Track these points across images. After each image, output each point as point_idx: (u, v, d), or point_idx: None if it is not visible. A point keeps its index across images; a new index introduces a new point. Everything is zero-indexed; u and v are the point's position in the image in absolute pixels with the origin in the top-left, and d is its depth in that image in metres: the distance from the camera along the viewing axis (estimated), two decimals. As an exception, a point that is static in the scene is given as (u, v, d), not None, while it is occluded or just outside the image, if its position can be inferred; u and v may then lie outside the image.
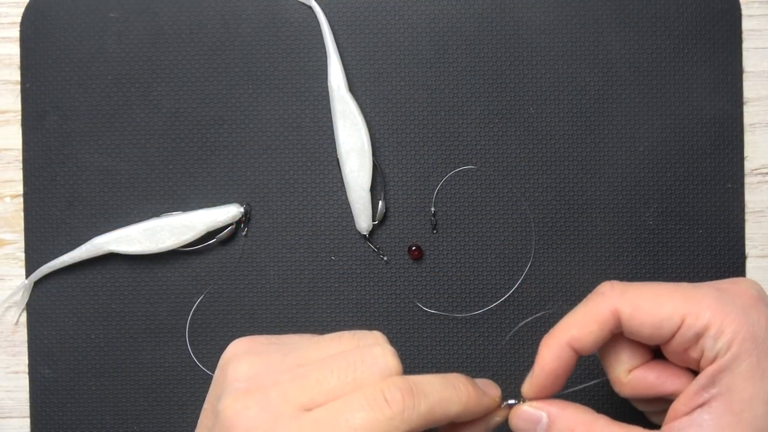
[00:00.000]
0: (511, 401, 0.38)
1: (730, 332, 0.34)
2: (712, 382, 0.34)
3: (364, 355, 0.34)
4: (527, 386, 0.38)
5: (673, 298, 0.36)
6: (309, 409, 0.32)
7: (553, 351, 0.37)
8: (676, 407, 0.36)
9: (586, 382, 0.46)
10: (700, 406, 0.35)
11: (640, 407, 0.40)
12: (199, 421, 0.36)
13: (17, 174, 0.50)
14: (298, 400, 0.32)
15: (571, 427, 0.36)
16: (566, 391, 0.42)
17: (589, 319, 0.37)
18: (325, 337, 0.36)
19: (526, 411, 0.37)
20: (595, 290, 0.38)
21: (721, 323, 0.34)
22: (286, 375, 0.33)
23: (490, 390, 0.37)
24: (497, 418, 0.38)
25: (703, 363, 0.35)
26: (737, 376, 0.34)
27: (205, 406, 0.36)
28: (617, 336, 0.38)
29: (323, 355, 0.35)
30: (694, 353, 0.35)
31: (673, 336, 0.35)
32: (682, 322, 0.35)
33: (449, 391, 0.34)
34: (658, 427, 0.36)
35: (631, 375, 0.38)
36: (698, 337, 0.35)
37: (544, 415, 0.37)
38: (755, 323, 0.35)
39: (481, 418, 0.37)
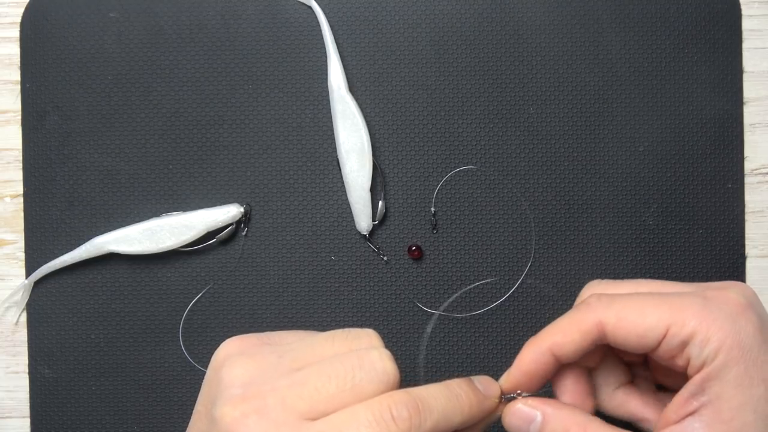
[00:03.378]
0: (509, 395, 0.38)
1: (716, 340, 0.34)
2: (701, 389, 0.35)
3: (362, 360, 0.34)
4: (503, 380, 0.38)
5: (658, 308, 0.36)
6: (308, 418, 0.32)
7: (534, 354, 0.37)
8: (666, 415, 0.36)
9: None
10: (690, 414, 0.35)
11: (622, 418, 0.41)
12: (190, 423, 0.36)
13: (17, 174, 0.50)
14: (297, 408, 0.32)
15: (566, 427, 0.36)
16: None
17: (573, 327, 0.37)
18: (318, 336, 0.36)
19: (521, 409, 0.37)
20: (583, 300, 0.38)
21: (707, 331, 0.35)
22: (283, 380, 0.33)
23: (490, 389, 0.37)
24: (497, 413, 0.38)
25: (690, 371, 0.35)
26: (726, 384, 0.34)
27: (198, 408, 0.36)
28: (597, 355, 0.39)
29: (318, 356, 0.34)
30: (680, 361, 0.36)
31: (658, 345, 0.36)
32: (667, 331, 0.35)
33: (452, 403, 0.34)
34: None
35: (615, 394, 0.39)
36: (684, 345, 0.35)
37: (538, 414, 0.37)
38: (742, 331, 0.35)
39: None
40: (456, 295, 0.49)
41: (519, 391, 0.38)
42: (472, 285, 0.49)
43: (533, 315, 0.49)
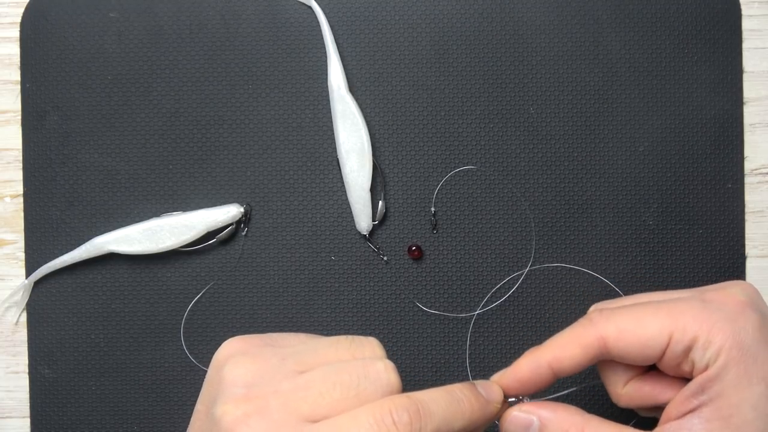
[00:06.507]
0: (512, 399, 0.38)
1: (718, 341, 0.35)
2: (701, 389, 0.35)
3: (368, 369, 0.34)
4: (496, 378, 0.38)
5: (657, 317, 0.36)
6: (310, 421, 0.32)
7: (531, 365, 0.37)
8: (668, 411, 0.36)
9: (581, 383, 0.46)
10: (691, 411, 0.35)
11: (642, 413, 0.40)
12: (190, 422, 0.36)
13: (17, 174, 0.50)
14: (300, 410, 0.32)
15: (564, 429, 0.36)
16: (558, 394, 0.42)
17: (574, 342, 0.37)
18: (321, 340, 0.36)
19: (517, 416, 0.37)
20: (586, 315, 0.38)
21: (708, 333, 0.35)
22: (286, 383, 0.33)
23: (493, 394, 0.37)
24: (497, 415, 0.38)
25: (695, 374, 0.35)
26: (726, 383, 0.34)
27: (198, 407, 0.36)
28: None
29: (322, 361, 0.34)
30: (686, 366, 0.36)
31: (663, 353, 0.36)
32: (670, 338, 0.35)
33: (454, 408, 0.34)
34: (656, 419, 0.37)
35: (627, 387, 0.38)
36: (687, 350, 0.35)
37: (535, 420, 0.37)
38: (742, 330, 0.35)
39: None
40: (494, 289, 0.49)
41: (521, 398, 0.38)
42: (510, 276, 0.49)
43: (533, 315, 0.49)
